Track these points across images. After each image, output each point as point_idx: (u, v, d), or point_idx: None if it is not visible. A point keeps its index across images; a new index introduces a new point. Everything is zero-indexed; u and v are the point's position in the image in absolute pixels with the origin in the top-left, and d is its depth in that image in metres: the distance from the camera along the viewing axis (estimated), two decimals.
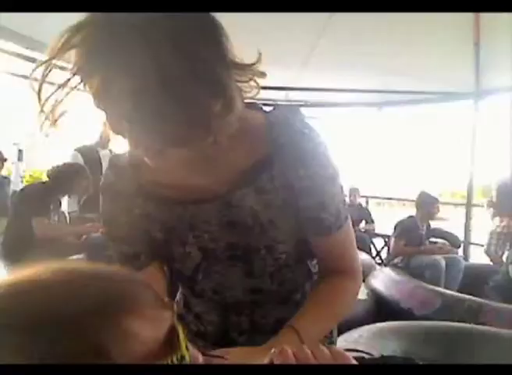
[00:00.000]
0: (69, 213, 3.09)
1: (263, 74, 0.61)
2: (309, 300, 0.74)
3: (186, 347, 0.38)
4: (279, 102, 5.65)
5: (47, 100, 0.53)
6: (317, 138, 0.69)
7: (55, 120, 0.55)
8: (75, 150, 3.53)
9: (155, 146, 0.58)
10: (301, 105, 5.65)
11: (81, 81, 0.54)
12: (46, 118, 0.54)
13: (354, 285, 0.77)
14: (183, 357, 0.37)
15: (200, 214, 0.71)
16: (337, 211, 0.72)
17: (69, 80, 0.53)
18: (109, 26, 0.52)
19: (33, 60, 4.09)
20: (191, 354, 0.39)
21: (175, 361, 0.36)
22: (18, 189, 3.91)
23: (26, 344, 0.31)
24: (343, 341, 1.28)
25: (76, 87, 0.54)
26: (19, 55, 3.87)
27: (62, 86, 0.53)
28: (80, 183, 2.75)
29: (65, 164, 3.05)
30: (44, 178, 2.99)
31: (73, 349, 0.31)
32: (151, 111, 0.52)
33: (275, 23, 3.54)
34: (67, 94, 0.54)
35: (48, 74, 0.53)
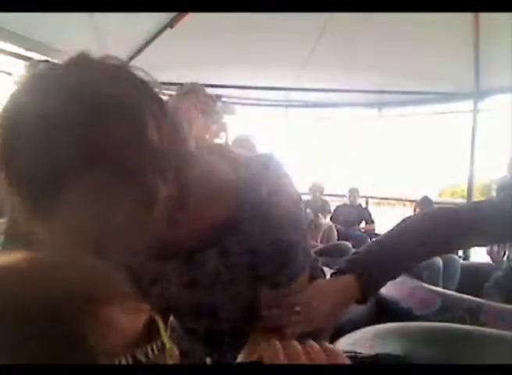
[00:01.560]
0: None
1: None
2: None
3: (167, 338, 0.38)
4: (279, 102, 5.65)
5: None
6: (283, 202, 0.67)
7: None
8: None
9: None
10: (301, 106, 5.65)
11: None
12: None
13: None
14: (163, 344, 0.37)
15: (162, 271, 0.72)
16: (294, 272, 0.74)
17: None
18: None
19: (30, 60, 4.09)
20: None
21: (155, 349, 0.37)
22: None
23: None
24: (342, 343, 1.28)
25: None
26: (17, 56, 3.87)
27: None
28: None
29: None
30: None
31: (49, 334, 0.31)
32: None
33: (275, 23, 3.54)
34: None
35: None
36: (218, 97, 2.41)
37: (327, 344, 0.43)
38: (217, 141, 2.07)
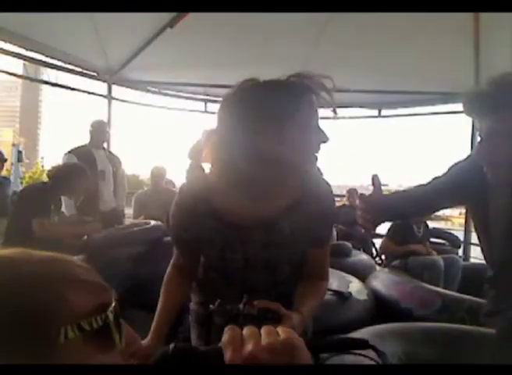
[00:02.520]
0: (68, 217, 3.07)
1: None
2: (304, 295, 1.03)
3: (118, 322, 0.45)
4: None
5: None
6: (329, 188, 1.07)
7: None
8: (69, 152, 3.44)
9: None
10: None
11: None
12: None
13: (326, 286, 1.14)
14: (107, 317, 0.43)
15: (247, 235, 1.02)
16: (331, 231, 1.15)
17: None
18: None
19: (30, 59, 4.08)
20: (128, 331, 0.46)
21: (99, 320, 0.42)
22: (18, 189, 3.90)
23: None
24: None
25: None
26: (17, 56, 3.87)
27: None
28: (81, 184, 2.75)
29: (65, 164, 3.05)
30: (45, 179, 2.98)
31: (9, 309, 0.38)
32: None
33: (275, 23, 3.54)
34: None
35: None
36: None
37: (284, 327, 0.48)
38: None
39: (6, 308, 0.38)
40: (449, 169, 1.19)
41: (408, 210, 1.30)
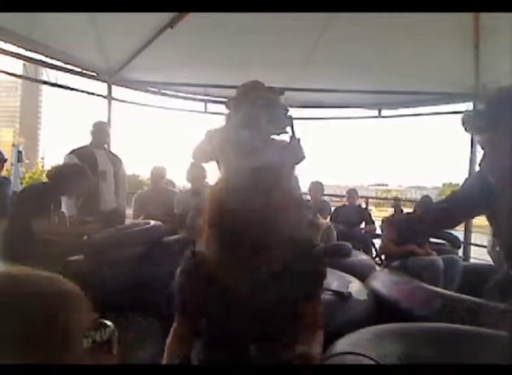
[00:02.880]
0: (68, 217, 3.07)
1: None
2: (303, 343, 1.09)
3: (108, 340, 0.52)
4: None
5: None
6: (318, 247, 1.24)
7: None
8: (70, 153, 3.43)
9: None
10: (301, 106, 5.64)
11: None
12: None
13: (322, 334, 1.22)
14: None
15: (244, 294, 1.10)
16: (322, 285, 1.26)
17: None
18: None
19: (30, 60, 4.07)
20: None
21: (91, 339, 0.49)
22: (18, 190, 3.90)
23: None
24: (342, 344, 1.28)
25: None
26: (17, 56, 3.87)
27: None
28: (81, 184, 2.74)
29: (65, 164, 3.04)
30: (44, 179, 2.98)
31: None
32: None
33: (275, 23, 3.54)
34: None
35: None
36: (282, 90, 2.36)
37: None
38: (282, 134, 2.05)
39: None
40: (462, 185, 1.32)
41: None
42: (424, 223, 1.45)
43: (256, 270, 1.06)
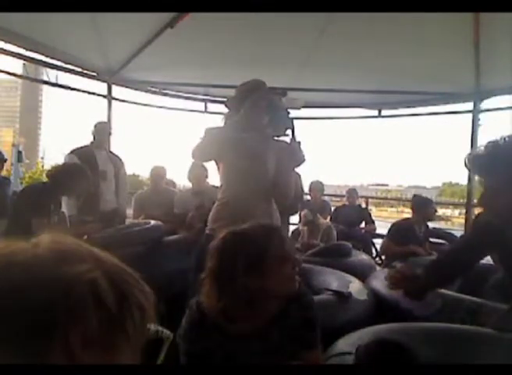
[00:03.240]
0: (68, 217, 3.07)
1: None
2: None
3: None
4: None
5: None
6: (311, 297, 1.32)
7: None
8: (71, 153, 3.44)
9: None
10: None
11: None
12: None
13: None
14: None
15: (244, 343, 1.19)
16: (318, 334, 1.28)
17: None
18: None
19: (30, 60, 4.07)
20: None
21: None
22: (18, 190, 3.90)
23: None
24: (342, 344, 1.28)
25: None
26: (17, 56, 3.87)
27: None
28: (81, 184, 2.74)
29: (65, 164, 3.04)
30: (44, 179, 2.98)
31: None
32: None
33: (275, 23, 3.54)
34: None
35: None
36: (284, 91, 2.34)
37: None
38: (282, 137, 2.03)
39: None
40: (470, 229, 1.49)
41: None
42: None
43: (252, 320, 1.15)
